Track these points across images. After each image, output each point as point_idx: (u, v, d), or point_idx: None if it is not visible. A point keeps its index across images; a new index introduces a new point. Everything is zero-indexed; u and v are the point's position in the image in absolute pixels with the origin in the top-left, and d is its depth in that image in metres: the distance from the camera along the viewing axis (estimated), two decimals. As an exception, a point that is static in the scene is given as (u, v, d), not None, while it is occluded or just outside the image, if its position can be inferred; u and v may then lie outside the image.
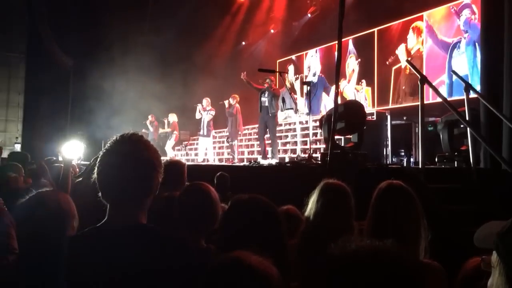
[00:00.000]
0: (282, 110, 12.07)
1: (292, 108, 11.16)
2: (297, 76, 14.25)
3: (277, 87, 10.30)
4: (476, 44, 8.91)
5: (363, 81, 11.83)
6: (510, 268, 1.05)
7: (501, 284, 1.07)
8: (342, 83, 12.19)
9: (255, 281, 1.04)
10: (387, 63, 10.92)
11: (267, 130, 9.04)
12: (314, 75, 13.54)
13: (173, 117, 12.73)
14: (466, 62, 9.12)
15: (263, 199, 1.65)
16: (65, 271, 1.34)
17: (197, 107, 11.22)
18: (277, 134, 12.03)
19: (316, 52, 13.62)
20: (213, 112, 11.09)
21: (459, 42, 9.41)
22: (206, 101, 11.22)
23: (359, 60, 11.93)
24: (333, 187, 2.29)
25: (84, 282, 1.31)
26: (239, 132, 11.08)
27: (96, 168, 1.45)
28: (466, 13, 9.29)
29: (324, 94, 13.18)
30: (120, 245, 1.33)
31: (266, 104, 8.94)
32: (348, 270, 0.85)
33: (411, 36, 10.50)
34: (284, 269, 1.52)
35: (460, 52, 9.31)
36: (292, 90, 13.49)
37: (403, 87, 10.47)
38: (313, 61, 13.77)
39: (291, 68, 14.66)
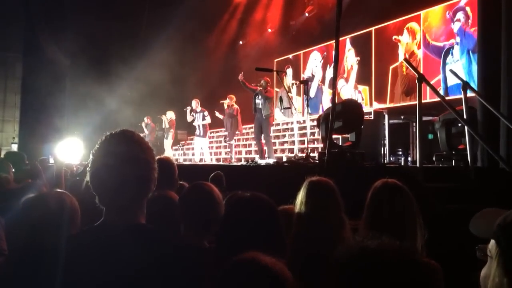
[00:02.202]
0: (281, 109, 12.09)
1: (289, 108, 11.16)
2: (294, 82, 14.15)
3: (275, 86, 10.31)
4: (470, 52, 8.97)
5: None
6: (511, 260, 1.05)
7: (498, 276, 1.06)
8: (340, 83, 12.16)
9: (271, 281, 1.04)
10: (393, 38, 10.87)
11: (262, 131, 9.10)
12: (313, 79, 13.45)
13: (170, 115, 12.70)
14: (462, 71, 9.10)
15: (263, 197, 1.64)
16: (62, 270, 1.32)
17: (187, 110, 11.21)
18: (275, 134, 12.08)
19: (321, 60, 13.45)
20: (207, 113, 11.08)
21: (452, 47, 9.42)
22: (195, 102, 11.21)
23: (358, 58, 11.85)
24: (318, 184, 2.28)
25: (80, 282, 1.29)
26: (237, 132, 11.09)
27: (89, 169, 1.41)
28: (460, 16, 9.30)
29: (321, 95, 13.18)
30: (119, 245, 1.31)
31: (260, 106, 9.01)
32: (370, 267, 0.84)
33: (406, 37, 10.50)
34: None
35: (455, 60, 9.31)
36: (289, 91, 13.46)
37: (399, 87, 10.47)
38: (315, 66, 13.63)
39: (289, 71, 14.58)
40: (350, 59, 12.18)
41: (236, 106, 10.46)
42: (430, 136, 7.55)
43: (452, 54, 9.40)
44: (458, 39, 9.33)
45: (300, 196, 2.28)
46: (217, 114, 11.30)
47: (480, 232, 1.17)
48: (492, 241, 1.11)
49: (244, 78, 9.30)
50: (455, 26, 9.39)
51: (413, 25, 10.36)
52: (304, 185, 2.29)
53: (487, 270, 1.12)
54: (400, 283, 0.81)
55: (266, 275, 1.04)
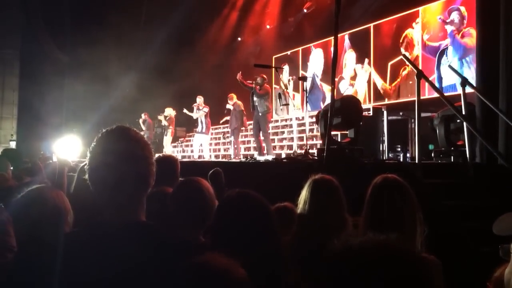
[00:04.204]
0: (280, 105, 12.08)
1: (288, 104, 11.15)
2: (291, 77, 14.11)
3: (273, 83, 10.29)
4: (463, 59, 9.07)
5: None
6: None
7: None
8: (343, 85, 12.13)
9: (217, 283, 1.07)
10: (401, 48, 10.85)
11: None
12: (316, 76, 13.43)
13: (170, 111, 12.66)
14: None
15: (252, 194, 1.63)
16: (60, 268, 1.32)
17: (194, 107, 11.24)
18: (274, 130, 12.07)
19: (321, 56, 13.40)
20: (206, 109, 11.09)
21: (446, 48, 9.47)
22: (199, 99, 11.23)
23: (362, 66, 11.74)
24: (322, 183, 2.27)
25: (80, 279, 1.27)
26: (242, 128, 11.09)
27: (87, 167, 1.39)
28: (454, 17, 9.32)
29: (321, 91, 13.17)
30: (118, 243, 1.30)
31: (256, 103, 9.06)
32: (353, 266, 0.83)
33: (405, 46, 10.48)
34: (277, 264, 1.51)
35: (449, 61, 9.34)
36: (286, 88, 13.42)
37: (399, 83, 10.47)
38: (316, 63, 13.59)
39: (286, 68, 14.53)
40: (350, 61, 12.11)
41: (239, 102, 10.39)
42: (431, 147, 7.48)
43: (446, 55, 9.45)
44: (449, 41, 9.43)
45: (304, 195, 2.27)
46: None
47: (503, 231, 1.18)
48: None
49: (242, 77, 9.28)
50: (448, 28, 9.48)
51: (408, 32, 10.33)
52: (308, 184, 2.28)
53: (511, 268, 1.12)
54: (385, 278, 0.80)
55: (219, 279, 1.07)
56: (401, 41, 10.47)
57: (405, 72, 10.29)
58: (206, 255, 1.14)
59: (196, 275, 1.08)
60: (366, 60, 11.52)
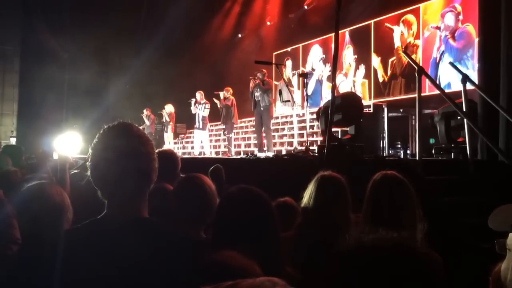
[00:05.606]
0: (281, 102, 12.07)
1: (289, 101, 11.11)
2: (295, 72, 14.14)
3: (273, 79, 10.24)
4: (457, 62, 9.07)
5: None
6: None
7: None
8: (339, 78, 12.14)
9: None
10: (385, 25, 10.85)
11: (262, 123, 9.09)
12: (314, 70, 13.44)
13: (170, 108, 12.64)
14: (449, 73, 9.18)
15: (254, 190, 1.63)
16: (62, 263, 1.32)
17: (192, 102, 11.18)
18: (274, 127, 12.06)
19: (321, 57, 13.39)
20: (208, 106, 11.05)
21: (443, 53, 9.53)
22: (199, 95, 11.16)
23: (356, 56, 11.81)
24: (330, 179, 2.27)
25: (82, 275, 1.28)
26: (235, 125, 11.07)
27: (89, 163, 1.39)
28: (449, 19, 9.31)
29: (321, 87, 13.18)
30: (120, 239, 1.31)
31: (259, 98, 9.03)
32: (365, 263, 0.84)
33: (401, 28, 10.47)
34: (276, 260, 1.52)
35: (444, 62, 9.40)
36: (289, 84, 13.44)
37: (398, 80, 10.46)
38: (316, 61, 13.61)
39: (288, 63, 14.55)
40: (349, 56, 12.14)
41: (232, 97, 10.41)
42: (432, 141, 7.50)
43: (442, 60, 9.49)
44: (443, 47, 9.48)
45: (310, 189, 2.26)
46: (215, 100, 11.20)
47: (498, 226, 1.18)
48: (511, 235, 1.11)
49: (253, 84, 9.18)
50: (442, 34, 9.53)
51: (408, 16, 10.33)
52: (315, 179, 2.28)
53: (507, 263, 1.12)
54: (398, 276, 0.81)
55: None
56: (402, 20, 10.48)
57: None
58: (223, 254, 1.14)
59: (215, 274, 1.06)
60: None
